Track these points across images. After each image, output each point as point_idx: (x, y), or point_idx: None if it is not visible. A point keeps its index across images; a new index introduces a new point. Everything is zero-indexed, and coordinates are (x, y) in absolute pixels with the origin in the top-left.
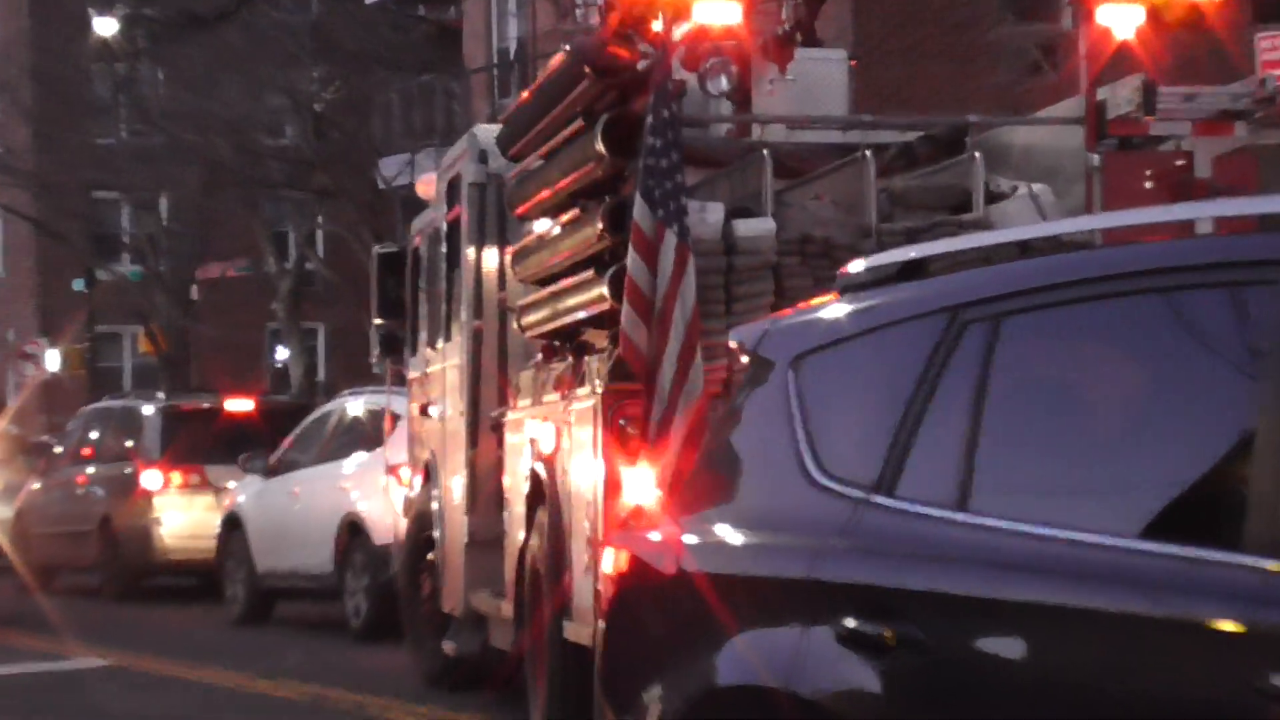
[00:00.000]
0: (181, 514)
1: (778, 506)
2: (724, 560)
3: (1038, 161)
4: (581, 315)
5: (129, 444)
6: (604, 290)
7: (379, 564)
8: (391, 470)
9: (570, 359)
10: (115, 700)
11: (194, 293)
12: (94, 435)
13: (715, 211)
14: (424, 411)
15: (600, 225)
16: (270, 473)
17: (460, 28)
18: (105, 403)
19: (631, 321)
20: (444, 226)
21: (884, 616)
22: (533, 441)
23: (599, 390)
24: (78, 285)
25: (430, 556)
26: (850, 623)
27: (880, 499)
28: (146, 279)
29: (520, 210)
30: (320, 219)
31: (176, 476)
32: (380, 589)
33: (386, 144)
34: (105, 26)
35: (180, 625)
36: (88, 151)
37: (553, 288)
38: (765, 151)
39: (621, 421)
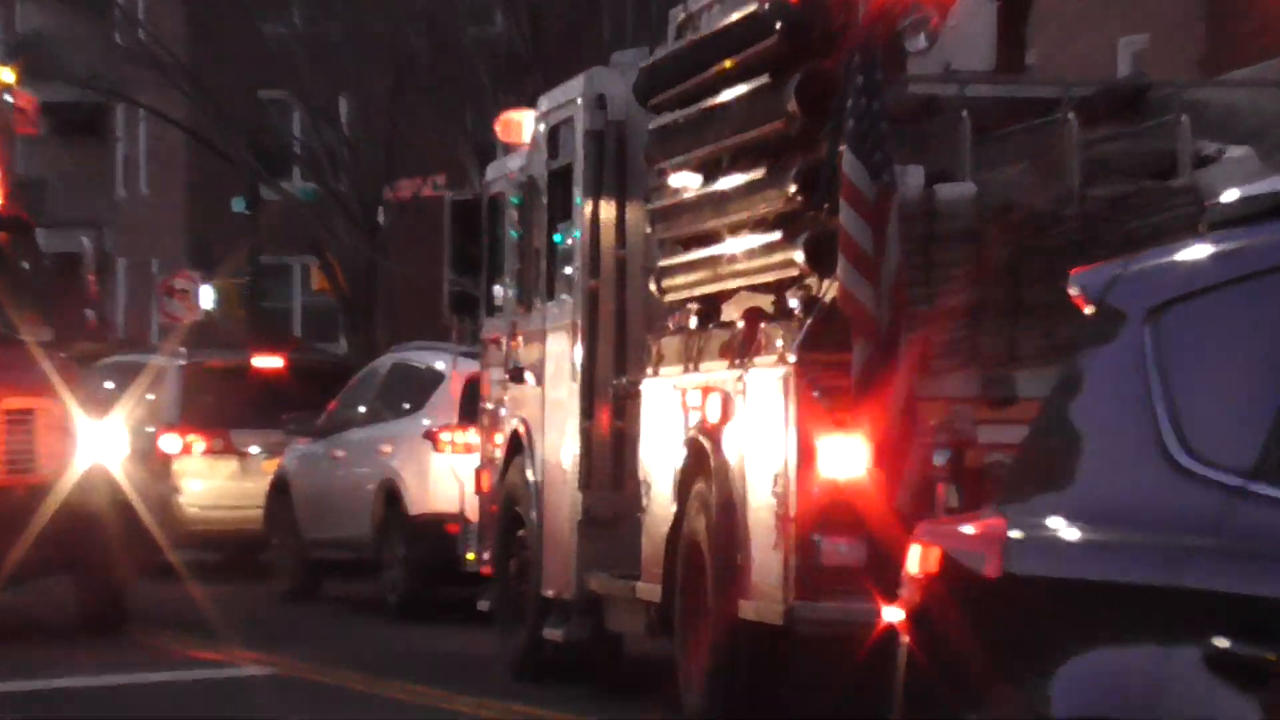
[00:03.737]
0: (203, 481)
1: (1130, 494)
2: (1060, 560)
3: (1240, 124)
4: (760, 279)
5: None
6: (794, 255)
7: (414, 537)
8: (431, 435)
9: (739, 325)
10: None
11: (380, 217)
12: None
13: (916, 175)
14: (515, 377)
15: (793, 188)
16: (318, 435)
17: None
18: (122, 357)
19: (854, 280)
20: (543, 175)
21: (1266, 636)
22: (691, 411)
23: (791, 360)
24: (238, 206)
25: (520, 534)
26: (1222, 643)
27: (1261, 488)
28: (322, 200)
29: (662, 165)
30: None
31: (198, 441)
32: (416, 564)
33: (617, 40)
34: None
35: (227, 602)
36: (253, 44)
37: (716, 250)
38: (965, 112)
39: (815, 393)
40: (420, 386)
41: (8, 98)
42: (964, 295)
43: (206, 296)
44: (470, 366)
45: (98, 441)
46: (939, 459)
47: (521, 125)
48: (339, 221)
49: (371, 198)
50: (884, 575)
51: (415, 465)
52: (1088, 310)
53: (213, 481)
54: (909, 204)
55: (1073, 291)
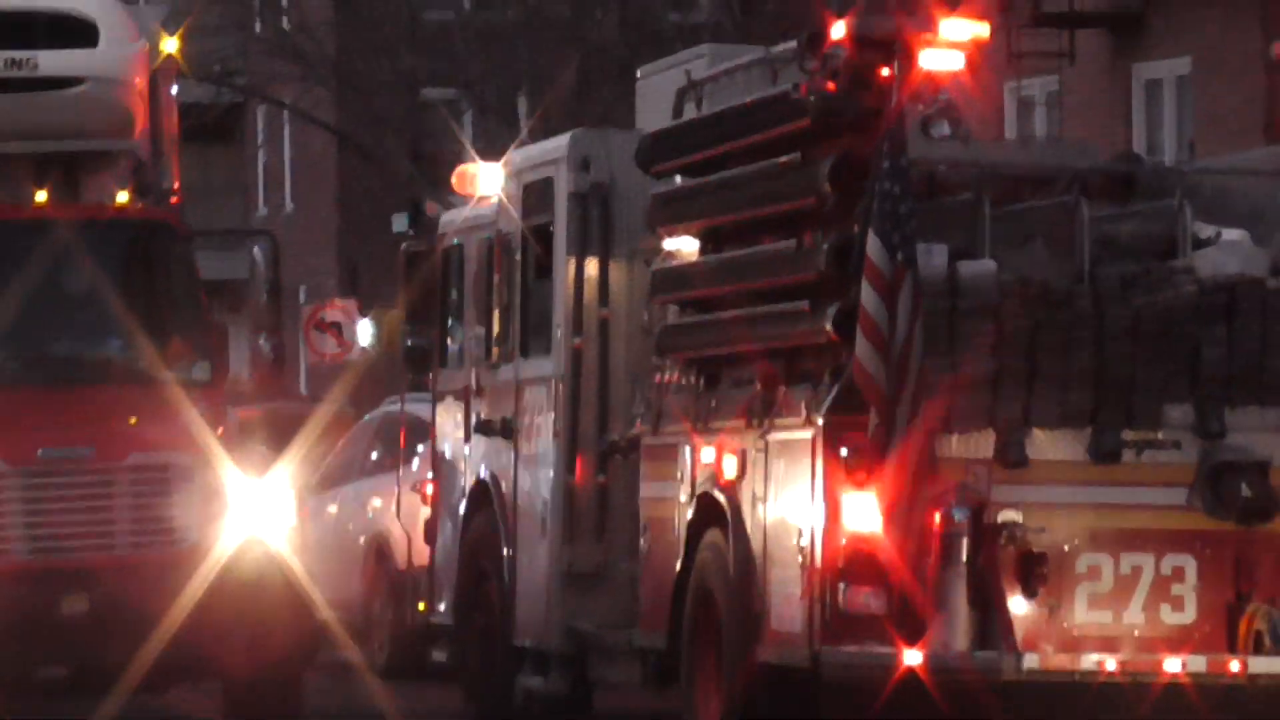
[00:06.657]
0: None
1: None
2: None
3: (1234, 206)
4: (778, 345)
5: None
6: (825, 326)
7: (402, 593)
8: (420, 488)
9: (756, 387)
10: None
11: None
12: None
13: (940, 254)
14: (482, 429)
15: (823, 262)
16: (315, 489)
17: None
18: None
19: (869, 356)
20: (516, 232)
21: None
22: (702, 467)
23: (819, 421)
24: (399, 226)
25: (486, 586)
26: None
27: None
28: None
29: (670, 230)
30: None
31: None
32: (403, 621)
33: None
34: None
35: None
36: (414, 34)
37: (732, 314)
38: (986, 198)
39: (843, 451)
40: (412, 438)
41: (174, 89)
42: (984, 365)
43: (364, 331)
44: None
45: (255, 506)
46: (958, 515)
47: (477, 178)
48: None
49: None
50: (904, 622)
51: (405, 519)
52: None
53: None
54: (933, 280)
55: None
